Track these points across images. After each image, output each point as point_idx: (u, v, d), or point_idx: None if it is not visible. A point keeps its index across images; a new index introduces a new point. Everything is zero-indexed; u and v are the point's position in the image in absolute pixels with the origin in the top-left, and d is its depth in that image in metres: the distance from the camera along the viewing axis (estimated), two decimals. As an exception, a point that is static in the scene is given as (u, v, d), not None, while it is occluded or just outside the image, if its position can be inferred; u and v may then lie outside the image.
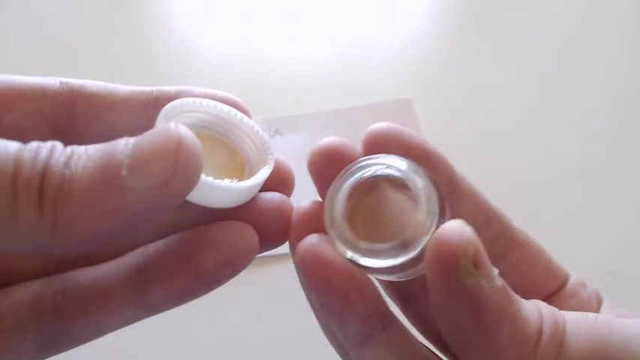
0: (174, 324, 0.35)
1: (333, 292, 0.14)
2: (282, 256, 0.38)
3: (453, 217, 0.18)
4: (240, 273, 0.39)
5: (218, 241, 0.14)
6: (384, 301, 0.15)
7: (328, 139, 0.16)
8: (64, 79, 0.16)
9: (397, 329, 0.15)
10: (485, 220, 0.18)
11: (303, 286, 0.15)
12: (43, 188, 0.12)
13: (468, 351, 0.13)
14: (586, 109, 0.49)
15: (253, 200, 0.16)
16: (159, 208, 0.12)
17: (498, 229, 0.18)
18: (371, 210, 0.16)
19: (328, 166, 0.16)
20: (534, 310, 0.14)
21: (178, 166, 0.12)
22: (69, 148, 0.12)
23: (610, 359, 0.13)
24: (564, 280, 0.18)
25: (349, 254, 0.15)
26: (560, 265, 0.19)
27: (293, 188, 0.17)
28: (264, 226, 0.15)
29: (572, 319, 0.14)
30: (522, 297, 0.19)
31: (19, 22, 0.59)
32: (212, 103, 0.16)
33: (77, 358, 0.34)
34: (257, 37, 0.56)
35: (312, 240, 0.15)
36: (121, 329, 0.36)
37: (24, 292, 0.15)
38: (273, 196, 0.16)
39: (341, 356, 0.18)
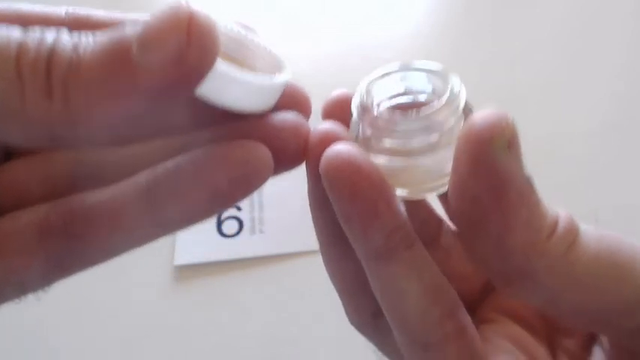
0: (175, 324, 0.35)
1: (360, 200, 0.13)
2: (283, 255, 0.38)
3: None
4: (240, 272, 0.39)
5: (231, 158, 0.14)
6: (408, 220, 0.14)
7: (341, 91, 0.16)
8: (70, 8, 0.15)
9: (420, 250, 0.15)
10: None
11: (326, 190, 0.14)
12: (50, 71, 0.11)
13: (479, 234, 0.13)
14: (588, 108, 0.49)
15: (267, 118, 0.15)
16: (173, 90, 0.11)
17: None
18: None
19: (341, 113, 0.15)
20: (553, 209, 0.14)
21: (192, 37, 0.11)
22: (76, 34, 0.12)
23: (618, 260, 0.13)
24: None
25: (383, 140, 0.14)
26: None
27: (310, 112, 0.16)
28: (279, 145, 0.14)
29: (588, 227, 0.14)
30: (459, 286, 0.19)
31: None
32: (221, 22, 0.14)
33: (76, 354, 0.34)
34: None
35: (341, 145, 0.14)
36: (121, 329, 0.36)
37: (31, 214, 0.14)
38: (287, 115, 0.15)
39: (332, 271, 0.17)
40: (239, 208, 0.41)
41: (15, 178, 0.15)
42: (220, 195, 0.14)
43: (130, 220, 0.14)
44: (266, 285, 0.37)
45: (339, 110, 0.16)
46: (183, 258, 0.38)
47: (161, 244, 0.43)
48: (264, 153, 0.14)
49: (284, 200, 0.41)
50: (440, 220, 0.19)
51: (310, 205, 0.16)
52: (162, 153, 0.15)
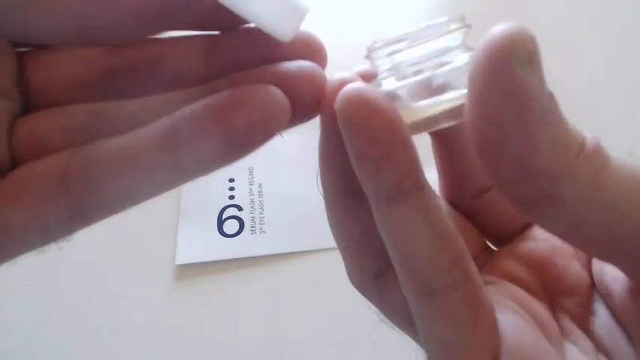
0: (176, 323, 0.36)
1: (376, 139, 0.13)
2: (283, 255, 0.38)
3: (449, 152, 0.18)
4: (241, 272, 0.39)
5: (248, 102, 0.13)
6: (421, 165, 0.14)
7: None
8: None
9: (431, 194, 0.14)
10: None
11: (338, 130, 0.14)
12: None
13: (500, 157, 0.12)
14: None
15: (282, 65, 0.15)
16: None
17: None
18: None
19: None
20: (578, 129, 0.13)
21: None
22: None
23: None
24: None
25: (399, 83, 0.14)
26: None
27: (325, 61, 0.15)
28: (295, 91, 0.14)
29: (616, 154, 0.13)
30: (515, 225, 0.19)
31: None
32: None
33: (77, 353, 0.34)
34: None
35: (360, 85, 0.13)
36: (123, 328, 0.36)
37: (52, 161, 0.14)
38: (304, 63, 0.15)
39: (333, 215, 0.17)
40: (240, 208, 0.41)
41: (34, 127, 0.15)
42: (237, 139, 0.13)
43: (148, 165, 0.14)
44: (267, 284, 0.37)
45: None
46: (184, 257, 0.38)
47: (162, 243, 0.43)
48: (280, 97, 0.14)
49: (285, 200, 0.41)
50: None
51: (320, 156, 0.16)
52: (180, 103, 0.15)
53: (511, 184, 0.13)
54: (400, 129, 0.13)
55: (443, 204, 0.15)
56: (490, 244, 0.20)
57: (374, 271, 0.16)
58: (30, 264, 0.40)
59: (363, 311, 0.36)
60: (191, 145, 0.14)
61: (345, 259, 0.18)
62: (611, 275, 0.16)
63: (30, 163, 0.14)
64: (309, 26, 0.16)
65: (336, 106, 0.13)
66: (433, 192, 0.14)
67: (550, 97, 0.12)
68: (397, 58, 0.15)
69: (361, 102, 0.13)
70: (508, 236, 0.19)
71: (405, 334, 0.17)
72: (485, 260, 0.19)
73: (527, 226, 0.19)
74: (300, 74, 0.15)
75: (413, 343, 0.17)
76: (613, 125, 0.48)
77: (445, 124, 0.15)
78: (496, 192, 0.18)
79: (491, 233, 0.19)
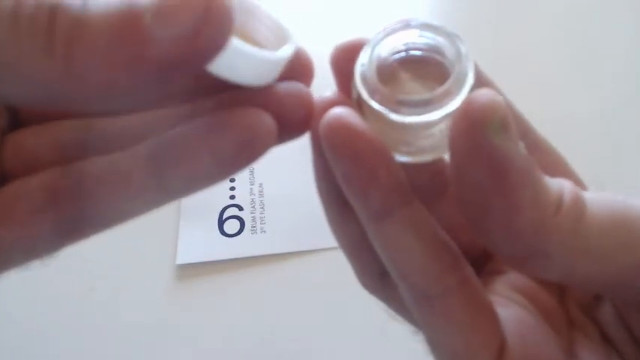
0: (177, 322, 0.36)
1: (359, 162, 0.14)
2: (284, 255, 0.38)
3: None
4: (242, 271, 0.39)
5: (235, 124, 0.14)
6: (405, 180, 0.15)
7: (351, 39, 0.16)
8: None
9: (417, 208, 0.15)
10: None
11: (325, 156, 0.15)
12: (53, 26, 0.10)
13: (485, 219, 0.13)
14: (591, 93, 0.49)
15: (270, 88, 0.15)
16: (183, 65, 0.11)
17: (522, 129, 0.18)
18: (404, 79, 0.15)
19: (351, 62, 0.15)
20: (556, 181, 0.14)
21: (210, 15, 0.11)
22: None
23: (628, 224, 0.13)
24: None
25: (384, 109, 0.14)
26: (579, 178, 0.19)
27: (312, 79, 0.16)
28: (282, 113, 0.15)
29: (592, 195, 0.14)
30: (468, 237, 0.19)
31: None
32: None
33: (78, 353, 0.34)
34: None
35: (341, 110, 0.14)
36: (124, 328, 0.36)
37: (41, 178, 0.14)
38: (291, 84, 0.15)
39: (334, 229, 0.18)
40: (240, 208, 0.41)
41: (23, 143, 0.15)
42: (224, 160, 0.14)
43: (136, 185, 0.14)
44: (267, 284, 0.37)
45: (348, 59, 0.16)
46: (185, 257, 0.38)
47: (163, 243, 0.43)
48: (267, 119, 0.14)
49: (285, 200, 0.41)
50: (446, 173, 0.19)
51: (314, 173, 0.17)
52: (169, 121, 0.15)
53: (499, 244, 0.13)
54: (381, 151, 0.14)
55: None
56: None
57: (379, 271, 0.17)
58: (30, 263, 0.40)
59: (363, 311, 0.36)
60: (177, 166, 0.14)
61: (350, 263, 0.18)
62: None
63: (19, 180, 0.14)
64: (303, 27, 0.16)
65: (320, 131, 0.14)
66: (420, 205, 0.15)
67: (526, 159, 0.13)
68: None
69: (342, 128, 0.14)
70: None
71: (416, 330, 0.17)
72: None
73: None
74: (287, 95, 0.15)
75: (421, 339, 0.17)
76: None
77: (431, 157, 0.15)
78: None
79: None
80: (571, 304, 0.17)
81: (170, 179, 0.14)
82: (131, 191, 0.14)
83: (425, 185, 0.16)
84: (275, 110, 0.14)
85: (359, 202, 0.14)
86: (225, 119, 0.14)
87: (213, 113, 0.14)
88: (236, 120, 0.14)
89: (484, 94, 0.12)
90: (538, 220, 0.13)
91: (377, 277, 0.17)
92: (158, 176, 0.14)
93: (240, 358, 0.34)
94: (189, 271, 0.37)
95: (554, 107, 0.48)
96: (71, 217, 0.14)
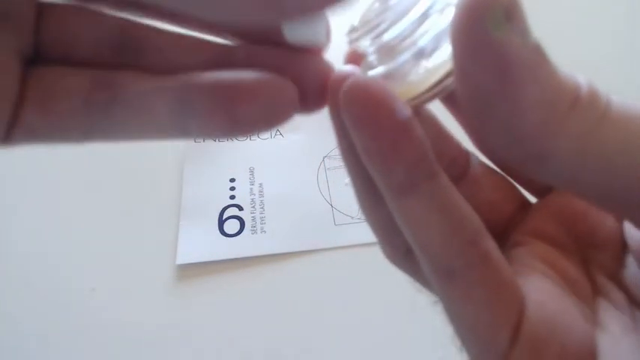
0: (177, 322, 0.36)
1: (381, 134, 0.13)
2: (284, 255, 0.38)
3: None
4: (242, 271, 0.39)
5: (259, 92, 0.14)
6: (431, 151, 0.14)
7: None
8: None
9: (442, 181, 0.14)
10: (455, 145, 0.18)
11: (346, 127, 0.14)
12: None
13: (487, 122, 0.12)
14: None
15: (292, 58, 0.15)
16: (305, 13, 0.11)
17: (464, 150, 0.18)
18: None
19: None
20: (572, 76, 0.12)
21: None
22: None
23: None
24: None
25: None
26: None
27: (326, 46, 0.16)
28: (304, 83, 0.14)
29: (620, 99, 0.12)
30: (490, 214, 0.18)
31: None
32: None
33: (78, 352, 0.34)
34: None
35: (363, 78, 0.13)
36: (124, 328, 0.36)
37: (78, 80, 0.15)
38: (311, 56, 0.15)
39: (363, 205, 0.17)
40: (240, 208, 0.41)
41: (66, 28, 0.15)
42: (240, 125, 0.14)
43: (161, 117, 0.15)
44: (267, 284, 0.37)
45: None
46: (185, 257, 0.38)
47: (163, 243, 0.43)
48: (292, 90, 0.14)
49: (285, 200, 0.41)
50: (467, 153, 0.18)
51: (340, 150, 0.16)
52: (202, 56, 0.15)
53: (500, 148, 0.12)
54: (406, 120, 0.13)
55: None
56: (530, 195, 0.19)
57: (403, 249, 0.17)
58: (30, 263, 0.40)
59: (363, 311, 0.36)
60: (198, 118, 0.14)
61: (377, 238, 0.18)
62: (630, 232, 0.16)
63: (58, 72, 0.15)
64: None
65: (341, 101, 0.13)
66: (444, 177, 0.14)
67: (535, 50, 0.11)
68: (381, 38, 0.15)
69: (363, 96, 0.13)
70: (547, 187, 0.19)
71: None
72: (518, 220, 0.19)
73: None
74: (309, 66, 0.15)
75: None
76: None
77: (445, 90, 0.15)
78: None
79: (530, 184, 0.19)
80: (596, 271, 0.17)
81: (189, 125, 0.15)
82: (151, 124, 0.15)
83: (445, 169, 0.15)
84: (297, 78, 0.14)
85: (381, 176, 0.14)
86: (251, 85, 0.14)
87: (240, 76, 0.14)
88: (260, 88, 0.14)
89: None
90: (543, 120, 0.11)
91: (403, 253, 0.17)
92: (179, 118, 0.15)
93: (240, 358, 0.34)
94: (189, 271, 0.37)
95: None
96: (100, 125, 0.15)
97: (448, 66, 0.14)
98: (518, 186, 0.19)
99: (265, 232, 0.39)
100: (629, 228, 0.16)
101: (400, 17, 0.14)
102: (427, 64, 0.14)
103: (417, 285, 0.18)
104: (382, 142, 0.13)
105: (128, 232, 0.39)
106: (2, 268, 0.37)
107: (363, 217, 0.17)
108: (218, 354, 0.34)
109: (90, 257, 0.38)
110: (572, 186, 0.13)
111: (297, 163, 0.44)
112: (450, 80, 0.14)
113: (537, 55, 0.11)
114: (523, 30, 0.11)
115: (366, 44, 0.15)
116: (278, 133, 0.47)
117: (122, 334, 0.35)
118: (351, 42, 0.15)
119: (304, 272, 0.38)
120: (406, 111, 0.13)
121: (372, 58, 0.15)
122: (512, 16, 0.11)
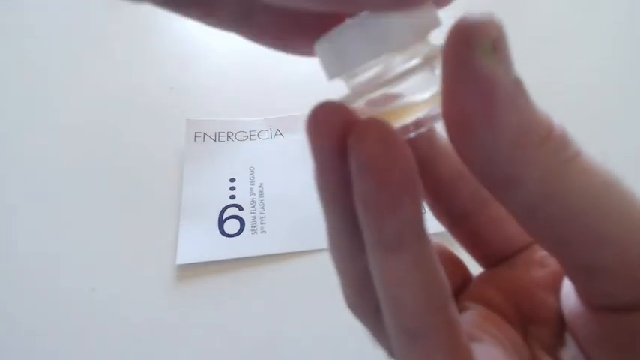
0: (177, 322, 0.36)
1: (387, 189, 0.13)
2: (284, 255, 0.38)
3: (433, 173, 0.18)
4: (242, 271, 0.39)
5: None
6: (423, 213, 0.14)
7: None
8: None
9: (427, 242, 0.14)
10: (462, 174, 0.18)
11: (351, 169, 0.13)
12: None
13: (466, 140, 0.13)
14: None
15: None
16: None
17: (476, 184, 0.17)
18: None
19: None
20: (547, 114, 0.13)
21: None
22: None
23: (623, 189, 0.13)
24: None
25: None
26: None
27: None
28: None
29: (587, 153, 0.13)
30: (497, 251, 0.19)
31: (29, 22, 0.60)
32: None
33: (78, 352, 0.34)
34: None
35: (382, 122, 0.13)
36: (124, 328, 0.36)
37: None
38: None
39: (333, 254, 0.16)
40: (240, 208, 0.41)
41: None
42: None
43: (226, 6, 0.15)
44: (267, 284, 0.37)
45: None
46: (185, 257, 0.38)
47: (163, 243, 0.43)
48: None
49: (285, 200, 0.41)
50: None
51: (319, 191, 0.15)
52: None
53: (475, 169, 0.13)
54: (416, 178, 0.13)
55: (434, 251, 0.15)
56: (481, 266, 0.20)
57: (372, 305, 0.16)
58: (30, 263, 0.40)
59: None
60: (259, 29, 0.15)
61: (344, 289, 0.17)
62: (571, 305, 0.16)
63: None
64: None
65: (354, 138, 0.13)
66: (429, 239, 0.14)
67: (515, 82, 0.12)
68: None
69: (383, 143, 0.12)
70: (496, 260, 0.19)
71: None
72: (464, 286, 0.19)
73: (514, 253, 0.19)
74: None
75: None
76: (609, 125, 0.48)
77: (430, 118, 0.15)
78: (481, 218, 0.18)
79: (479, 254, 0.20)
80: (536, 345, 0.17)
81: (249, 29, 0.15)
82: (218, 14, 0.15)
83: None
84: None
85: (372, 230, 0.13)
86: None
87: None
88: None
89: (478, 13, 0.12)
90: (517, 147, 0.12)
91: (373, 308, 0.16)
92: (246, 17, 0.15)
93: (240, 358, 0.34)
94: (189, 271, 0.37)
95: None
96: None
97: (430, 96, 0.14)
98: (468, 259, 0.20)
99: (265, 232, 0.39)
100: (567, 306, 0.16)
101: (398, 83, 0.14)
102: (410, 97, 0.14)
103: (374, 340, 0.18)
104: (389, 195, 0.13)
105: (128, 232, 0.39)
106: (2, 268, 0.37)
107: (332, 264, 0.17)
108: (218, 354, 0.34)
109: (90, 257, 0.38)
110: (531, 218, 0.13)
111: (297, 163, 0.44)
112: (435, 110, 0.14)
113: (517, 88, 0.12)
114: (507, 62, 0.12)
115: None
116: (278, 133, 0.47)
117: (122, 334, 0.35)
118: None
119: (304, 272, 0.38)
120: (414, 162, 0.13)
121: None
122: (498, 48, 0.12)
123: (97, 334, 0.35)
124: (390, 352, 0.17)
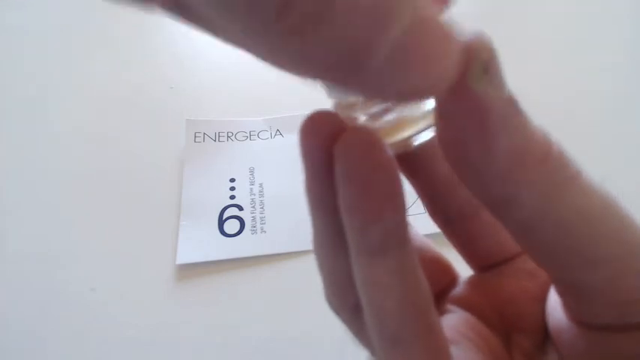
0: (176, 322, 0.36)
1: (374, 194, 0.13)
2: (284, 255, 0.38)
3: (431, 173, 0.18)
4: (242, 271, 0.39)
5: None
6: (407, 220, 0.14)
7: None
8: None
9: (410, 249, 0.14)
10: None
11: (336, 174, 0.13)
12: None
13: (461, 162, 0.13)
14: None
15: None
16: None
17: None
18: None
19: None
20: (544, 132, 0.13)
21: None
22: None
23: (622, 212, 0.13)
24: None
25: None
26: None
27: None
28: None
29: (588, 176, 0.13)
30: (489, 257, 0.19)
31: (29, 22, 0.60)
32: None
33: (78, 352, 0.34)
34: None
35: (367, 132, 0.13)
36: (123, 328, 0.36)
37: None
38: None
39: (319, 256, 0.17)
40: (240, 208, 0.41)
41: None
42: None
43: None
44: (267, 284, 0.37)
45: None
46: (185, 257, 0.38)
47: (163, 243, 0.43)
48: None
49: (286, 200, 0.41)
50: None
51: (307, 194, 0.16)
52: None
53: (472, 189, 0.13)
54: (398, 187, 0.13)
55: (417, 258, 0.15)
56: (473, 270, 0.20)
57: (352, 305, 0.16)
58: (30, 263, 0.40)
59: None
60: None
61: (326, 289, 0.18)
62: (556, 320, 0.16)
63: None
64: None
65: (339, 147, 0.13)
66: (411, 246, 0.14)
67: (509, 103, 0.12)
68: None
69: (366, 153, 0.13)
70: (487, 265, 0.19)
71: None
72: (446, 291, 0.19)
73: (506, 260, 0.19)
74: None
75: None
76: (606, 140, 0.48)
77: (424, 134, 0.15)
78: (476, 224, 0.19)
79: (471, 258, 0.20)
80: (516, 353, 0.17)
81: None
82: None
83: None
84: None
85: (356, 234, 0.14)
86: None
87: None
88: None
89: (469, 35, 0.12)
90: (512, 169, 0.12)
91: (353, 308, 0.17)
92: None
93: (239, 358, 0.34)
94: (189, 271, 0.37)
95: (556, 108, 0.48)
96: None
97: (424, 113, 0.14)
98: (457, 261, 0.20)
99: (265, 232, 0.39)
100: (553, 318, 0.17)
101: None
102: (403, 112, 0.14)
103: (355, 340, 0.18)
104: (372, 202, 0.13)
105: (128, 232, 0.39)
106: (2, 268, 0.37)
107: (316, 263, 0.17)
108: (218, 354, 0.34)
109: (90, 257, 0.38)
110: (527, 235, 0.13)
111: (297, 163, 0.44)
112: (428, 131, 0.15)
113: (510, 107, 0.12)
114: (499, 83, 0.12)
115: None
116: (278, 133, 0.47)
117: (122, 333, 0.35)
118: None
119: (304, 272, 0.38)
120: (399, 173, 0.13)
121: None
122: (490, 70, 0.12)
123: (96, 333, 0.35)
124: (372, 351, 0.17)
